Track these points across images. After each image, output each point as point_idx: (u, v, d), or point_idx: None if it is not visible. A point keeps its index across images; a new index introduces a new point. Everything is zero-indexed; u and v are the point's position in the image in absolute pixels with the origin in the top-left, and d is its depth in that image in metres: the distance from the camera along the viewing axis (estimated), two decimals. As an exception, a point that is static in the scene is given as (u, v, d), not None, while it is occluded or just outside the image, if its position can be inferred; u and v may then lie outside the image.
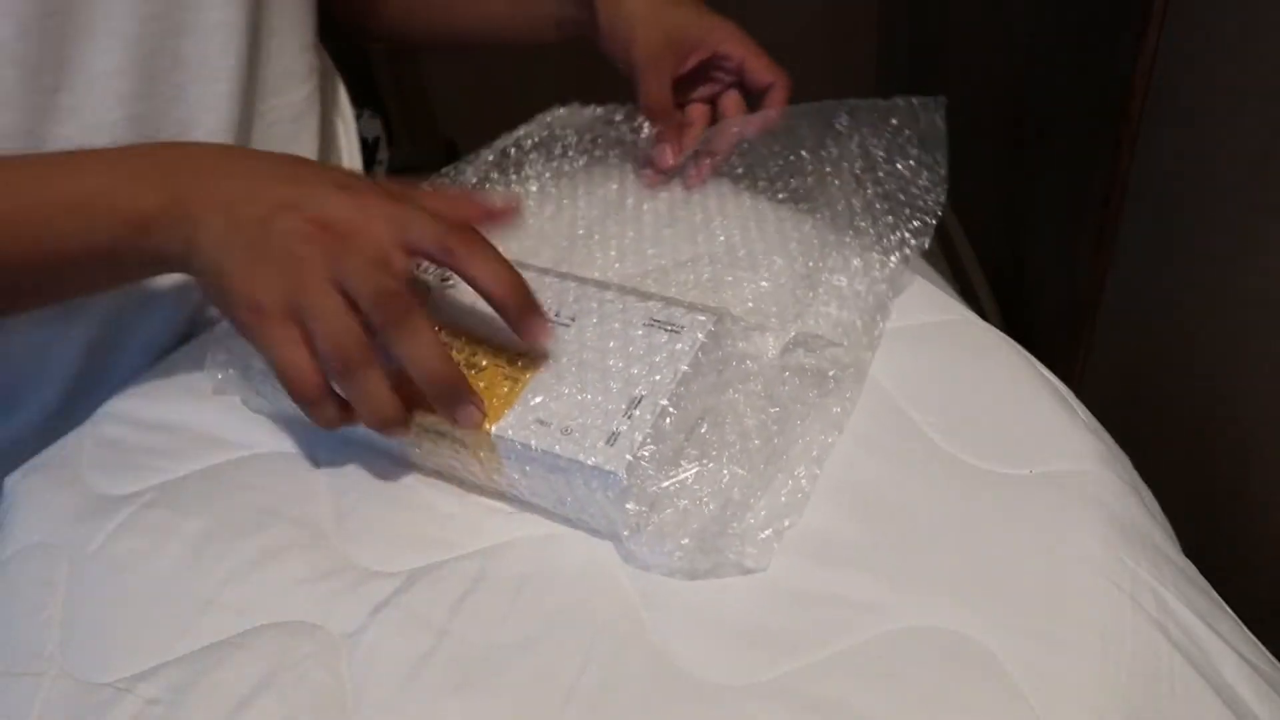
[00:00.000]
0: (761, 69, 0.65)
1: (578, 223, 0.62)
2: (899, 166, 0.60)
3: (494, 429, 0.44)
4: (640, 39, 0.64)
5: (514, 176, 0.66)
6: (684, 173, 0.65)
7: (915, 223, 0.58)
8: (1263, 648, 0.45)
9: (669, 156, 0.64)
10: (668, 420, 0.44)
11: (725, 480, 0.44)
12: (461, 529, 0.47)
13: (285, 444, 0.52)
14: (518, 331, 0.45)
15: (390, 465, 0.50)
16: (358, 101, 0.81)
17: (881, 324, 0.55)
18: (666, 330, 0.47)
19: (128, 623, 0.44)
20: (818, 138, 0.62)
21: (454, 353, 0.47)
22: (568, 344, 0.48)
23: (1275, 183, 0.73)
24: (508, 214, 0.50)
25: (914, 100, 0.62)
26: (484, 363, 0.47)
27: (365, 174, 0.62)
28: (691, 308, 0.49)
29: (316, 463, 0.51)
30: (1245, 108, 0.78)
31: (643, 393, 0.45)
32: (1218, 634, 0.42)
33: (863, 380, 0.52)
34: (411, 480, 0.50)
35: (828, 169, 0.61)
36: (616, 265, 0.58)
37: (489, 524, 0.47)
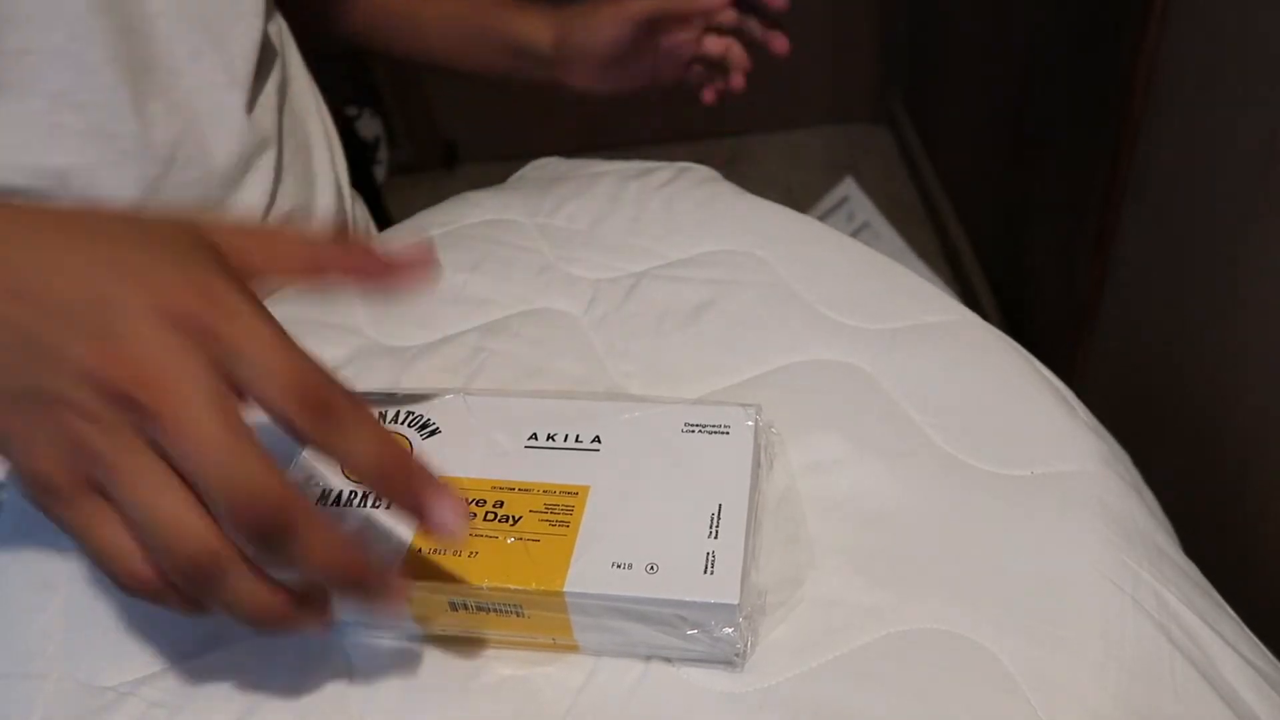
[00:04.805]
0: None
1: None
2: None
3: (566, 587, 0.38)
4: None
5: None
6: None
7: None
8: (1264, 648, 0.45)
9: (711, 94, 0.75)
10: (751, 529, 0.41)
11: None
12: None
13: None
14: (420, 519, 0.33)
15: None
16: (358, 101, 0.80)
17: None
18: (709, 432, 0.44)
19: (130, 626, 0.44)
20: None
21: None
22: (607, 470, 0.43)
23: (1275, 183, 0.74)
24: (419, 267, 0.37)
25: None
26: (516, 515, 0.41)
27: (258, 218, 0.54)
28: (719, 404, 0.45)
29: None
30: (1245, 108, 0.78)
31: (719, 504, 0.41)
32: (1219, 634, 0.42)
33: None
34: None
35: None
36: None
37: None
